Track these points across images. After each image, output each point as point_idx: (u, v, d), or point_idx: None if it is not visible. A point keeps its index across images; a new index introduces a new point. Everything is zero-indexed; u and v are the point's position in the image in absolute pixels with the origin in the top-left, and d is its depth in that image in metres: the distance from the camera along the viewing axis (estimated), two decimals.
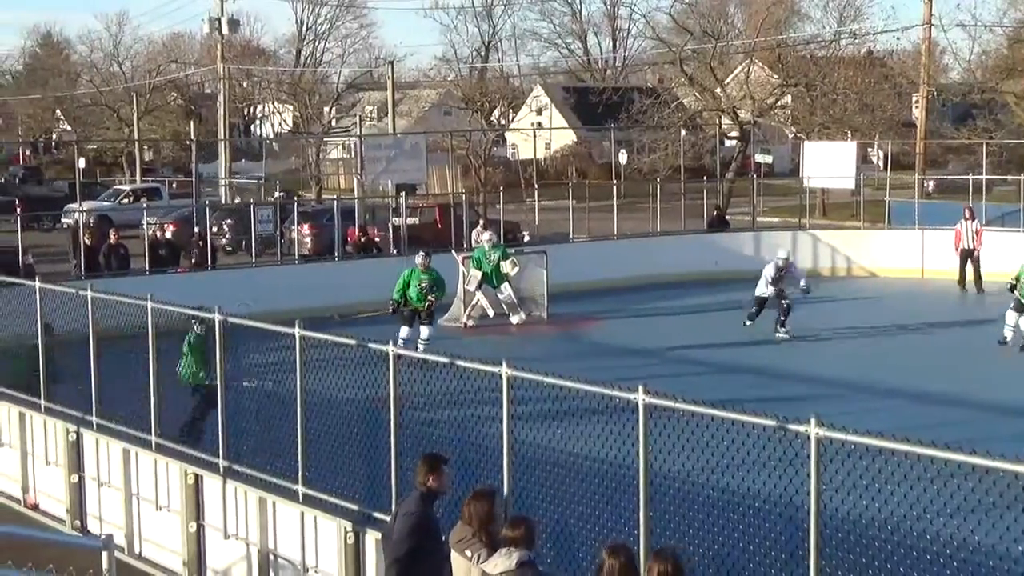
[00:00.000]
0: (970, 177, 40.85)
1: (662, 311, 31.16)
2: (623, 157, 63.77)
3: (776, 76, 60.33)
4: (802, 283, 27.49)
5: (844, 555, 9.27)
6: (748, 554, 9.89)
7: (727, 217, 42.62)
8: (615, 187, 40.19)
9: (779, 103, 59.87)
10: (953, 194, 48.38)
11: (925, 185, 52.48)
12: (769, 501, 9.76)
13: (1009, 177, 44.53)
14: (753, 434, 9.13)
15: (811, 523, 8.49)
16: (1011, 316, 24.92)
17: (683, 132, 57.52)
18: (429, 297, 23.83)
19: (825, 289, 34.45)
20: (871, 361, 24.31)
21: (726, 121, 58.09)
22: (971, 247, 33.43)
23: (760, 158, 60.33)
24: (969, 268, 33.64)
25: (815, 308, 30.72)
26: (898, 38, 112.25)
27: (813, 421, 8.46)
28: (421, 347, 21.74)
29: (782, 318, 26.85)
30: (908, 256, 36.84)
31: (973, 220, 33.73)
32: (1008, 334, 25.01)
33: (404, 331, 23.23)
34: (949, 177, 55.80)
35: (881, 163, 58.26)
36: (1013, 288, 25.00)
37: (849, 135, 52.51)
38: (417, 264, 24.23)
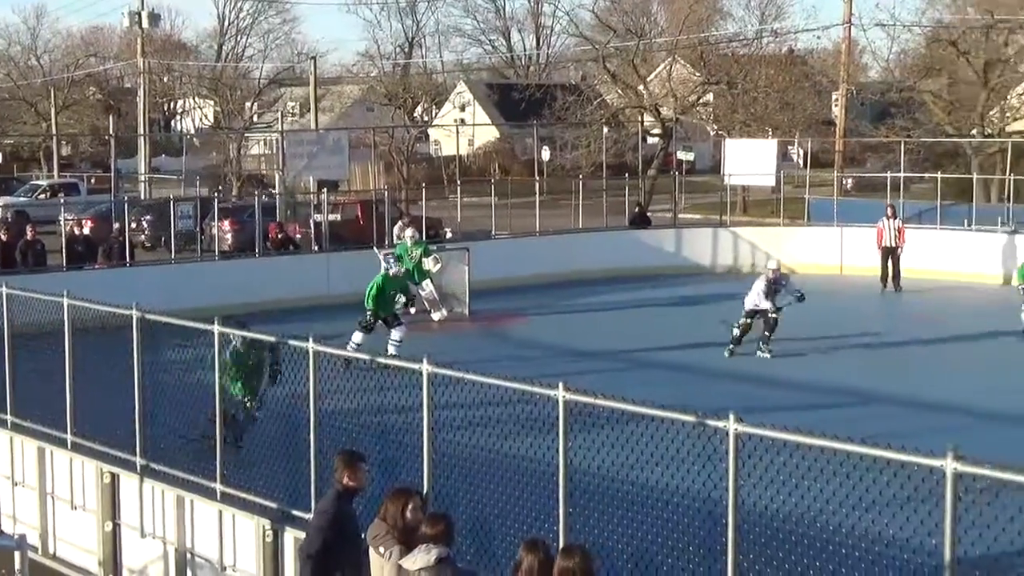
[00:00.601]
0: (888, 175, 41.33)
1: (585, 308, 31.23)
2: (546, 154, 63.88)
3: (698, 74, 60.64)
4: (796, 293, 24.88)
5: (761, 549, 9.34)
6: (667, 549, 9.94)
7: (649, 214, 42.77)
8: (537, 184, 40.18)
9: (701, 101, 60.20)
10: (872, 192, 48.95)
11: (844, 183, 52.99)
12: (688, 496, 9.81)
13: (926, 175, 45.06)
14: (672, 430, 9.17)
15: (729, 518, 8.54)
16: None
17: (606, 129, 57.69)
18: (402, 299, 23.65)
19: (746, 285, 34.64)
20: (792, 358, 24.43)
21: (648, 118, 58.32)
22: (893, 245, 33.76)
23: (682, 155, 60.67)
24: (890, 265, 33.94)
25: (735, 305, 30.96)
26: (818, 37, 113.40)
27: (732, 417, 8.51)
28: (392, 349, 21.79)
29: (767, 334, 24.31)
30: (827, 253, 37.18)
31: (895, 219, 34.06)
32: None
33: (359, 336, 22.84)
34: (868, 175, 56.44)
35: (801, 161, 58.70)
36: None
37: (770, 133, 52.88)
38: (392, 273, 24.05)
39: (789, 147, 60.76)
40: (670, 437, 9.28)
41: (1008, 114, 55.60)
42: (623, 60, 59.12)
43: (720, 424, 8.58)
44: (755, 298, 24.38)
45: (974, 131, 52.87)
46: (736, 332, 24.34)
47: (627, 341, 26.28)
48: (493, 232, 36.78)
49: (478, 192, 42.32)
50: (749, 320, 24.35)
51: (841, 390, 20.96)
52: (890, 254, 33.75)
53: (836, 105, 58.17)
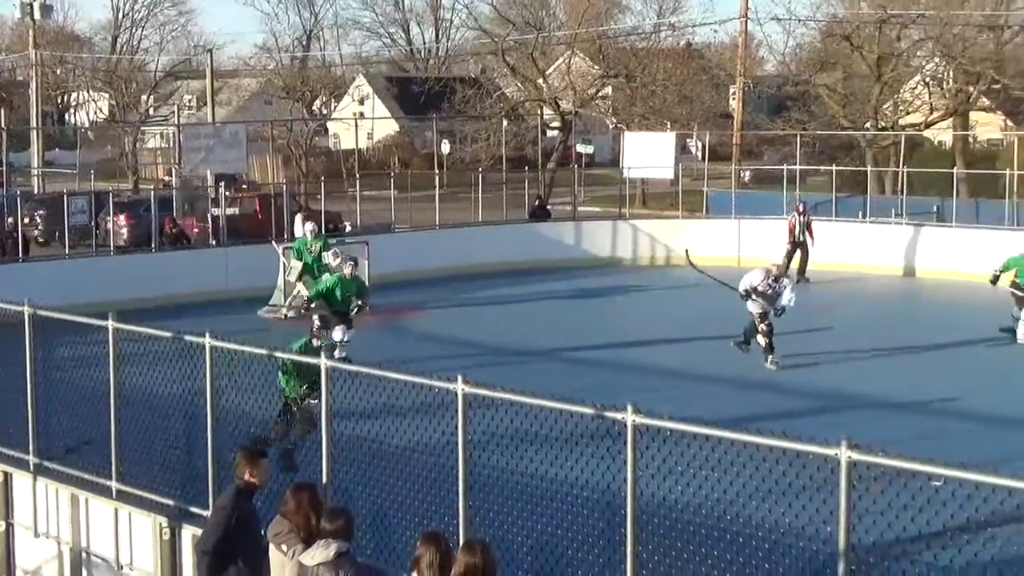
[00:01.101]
0: (784, 167, 41.76)
1: (485, 301, 31.26)
2: (445, 147, 63.78)
3: (597, 67, 60.95)
4: (785, 299, 22.17)
5: (660, 539, 9.40)
6: (567, 541, 9.96)
7: (548, 207, 42.90)
8: (437, 177, 40.13)
9: (600, 94, 60.54)
10: (769, 184, 49.45)
11: (741, 175, 53.57)
12: (587, 488, 9.84)
13: (822, 168, 45.58)
14: (571, 422, 9.19)
15: (628, 509, 8.57)
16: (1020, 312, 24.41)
17: (505, 122, 57.74)
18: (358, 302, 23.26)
19: (645, 277, 34.98)
20: (696, 348, 24.53)
21: (548, 111, 58.53)
22: (802, 239, 34.01)
23: (581, 148, 60.90)
24: (797, 257, 34.13)
25: (635, 297, 31.25)
26: (715, 31, 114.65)
27: (630, 408, 8.54)
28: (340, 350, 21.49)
29: (768, 341, 22.05)
30: (724, 245, 37.48)
31: (805, 215, 34.34)
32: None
33: (340, 332, 22.36)
34: (765, 167, 57.00)
35: (700, 153, 59.24)
36: (995, 281, 25.00)
37: (668, 126, 53.28)
38: (345, 272, 23.36)
39: (688, 140, 61.26)
40: (569, 429, 9.29)
41: (901, 107, 56.51)
42: (522, 53, 59.29)
43: (619, 416, 8.61)
44: (744, 286, 22.19)
45: (868, 124, 53.68)
46: (760, 339, 22.04)
47: (527, 334, 26.32)
48: (393, 226, 36.67)
49: (378, 186, 42.10)
50: (766, 325, 21.91)
51: (744, 383, 21.12)
52: (799, 247, 33.99)
53: (733, 98, 58.77)
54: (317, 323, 21.12)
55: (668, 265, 37.69)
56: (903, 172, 42.79)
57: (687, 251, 25.90)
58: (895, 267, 35.01)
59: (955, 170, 43.57)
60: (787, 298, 22.09)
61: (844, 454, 7.53)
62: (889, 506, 8.06)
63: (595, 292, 32.30)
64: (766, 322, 21.93)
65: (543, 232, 38.09)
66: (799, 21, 57.73)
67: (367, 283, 28.04)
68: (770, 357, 21.94)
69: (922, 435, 15.85)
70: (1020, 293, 23.98)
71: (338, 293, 22.63)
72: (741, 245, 37.42)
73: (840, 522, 7.57)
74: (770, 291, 22.03)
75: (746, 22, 52.55)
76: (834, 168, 41.66)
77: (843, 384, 20.87)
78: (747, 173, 58.30)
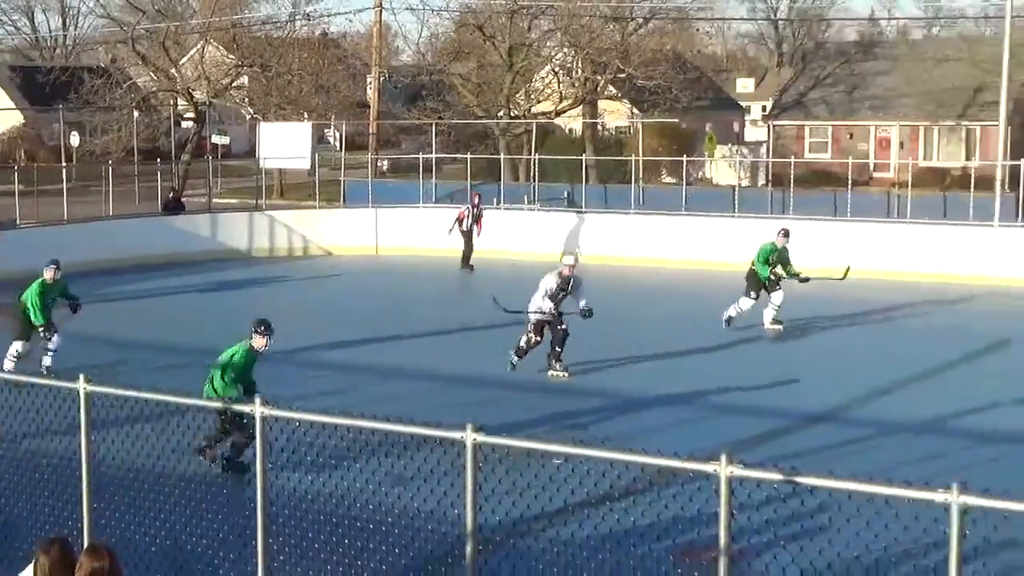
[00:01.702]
0: (421, 156, 42.29)
1: (118, 296, 30.31)
2: (74, 139, 61.63)
3: (231, 57, 60.03)
4: (582, 303, 20.49)
5: (292, 530, 9.34)
6: (196, 537, 9.79)
7: (184, 200, 42.03)
8: (65, 170, 38.70)
9: (235, 84, 59.62)
10: (407, 173, 49.98)
11: (379, 165, 53.89)
12: (216, 484, 9.69)
13: (458, 156, 46.36)
14: (189, 415, 9.04)
15: (258, 502, 8.48)
16: (747, 302, 24.30)
17: (136, 113, 56.20)
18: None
19: (284, 268, 34.75)
20: (325, 328, 24.49)
21: (182, 102, 57.32)
22: (471, 230, 34.14)
23: (217, 139, 59.94)
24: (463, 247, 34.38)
25: (275, 288, 31.03)
26: (351, 20, 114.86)
27: (258, 401, 8.45)
28: (48, 360, 20.26)
29: (557, 349, 20.25)
30: (362, 234, 37.71)
31: (477, 208, 34.46)
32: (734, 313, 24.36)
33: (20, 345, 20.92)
34: (402, 156, 57.52)
35: (338, 143, 59.25)
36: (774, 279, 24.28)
37: (305, 116, 53.03)
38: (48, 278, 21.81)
39: (325, 130, 61.17)
40: (196, 424, 9.14)
41: (533, 96, 58.03)
42: (154, 42, 57.79)
43: (247, 409, 8.50)
44: (539, 301, 20.20)
45: (501, 113, 54.88)
46: (523, 345, 20.38)
47: (161, 328, 25.75)
48: (18, 221, 35.15)
49: (2, 180, 40.36)
50: (539, 337, 20.30)
51: (392, 372, 21.23)
52: (468, 236, 34.12)
53: (370, 88, 58.98)
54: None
55: (306, 255, 37.58)
56: (535, 159, 43.96)
57: (494, 298, 23.79)
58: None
59: (585, 157, 45.07)
60: (583, 301, 20.47)
61: (469, 437, 7.64)
62: (514, 485, 8.25)
63: (234, 284, 31.87)
64: (562, 326, 20.17)
65: (178, 225, 37.28)
66: (433, 11, 58.55)
67: None
68: (556, 364, 20.26)
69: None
70: (773, 279, 24.34)
71: (47, 295, 21.66)
72: (379, 234, 37.71)
73: (467, 504, 7.68)
74: (563, 295, 20.35)
75: (380, 11, 52.80)
76: (469, 156, 42.43)
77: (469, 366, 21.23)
78: (385, 163, 58.71)
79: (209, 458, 12.94)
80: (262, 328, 14.09)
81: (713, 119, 68.40)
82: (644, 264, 33.95)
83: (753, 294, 24.31)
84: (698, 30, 75.54)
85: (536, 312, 20.21)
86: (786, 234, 24.67)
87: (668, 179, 54.60)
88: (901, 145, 60.06)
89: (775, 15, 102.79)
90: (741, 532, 9.70)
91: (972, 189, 36.43)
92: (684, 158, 42.95)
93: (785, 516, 10.49)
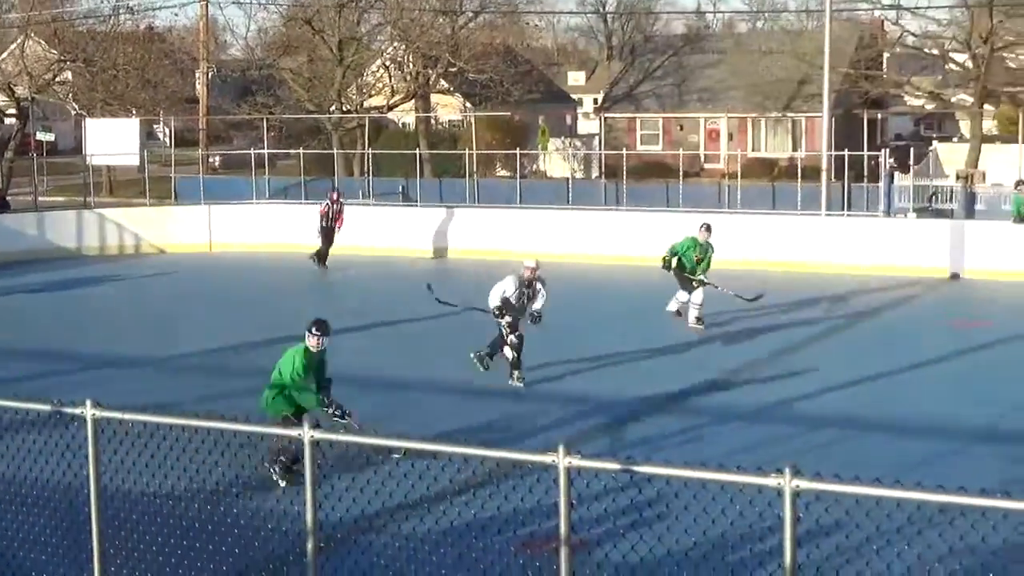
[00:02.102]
0: (253, 152, 41.85)
1: None
2: None
3: (54, 51, 58.67)
4: (536, 306, 19.12)
5: (128, 533, 9.21)
6: (29, 544, 9.59)
7: (8, 198, 41.03)
8: None
9: (58, 79, 58.29)
10: (239, 169, 49.40)
11: (210, 160, 53.23)
12: (48, 488, 9.50)
13: (291, 151, 45.95)
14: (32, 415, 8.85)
15: (92, 507, 8.34)
16: (684, 295, 23.79)
17: None
18: None
19: (116, 267, 34.08)
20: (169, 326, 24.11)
21: (2, 98, 55.88)
22: (332, 226, 33.59)
23: (41, 136, 58.68)
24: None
25: (109, 287, 30.44)
26: (176, 14, 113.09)
27: (88, 404, 8.30)
28: None
29: (516, 355, 18.93)
30: (196, 231, 37.18)
31: (337, 203, 33.79)
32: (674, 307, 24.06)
33: None
34: (234, 152, 56.86)
35: (168, 139, 58.33)
36: (668, 267, 23.82)
37: (133, 112, 52.07)
38: None
39: (154, 126, 60.19)
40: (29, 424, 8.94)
41: (365, 90, 57.82)
42: None
43: (78, 411, 8.34)
44: (496, 302, 18.91)
45: (333, 107, 54.59)
46: (509, 351, 18.98)
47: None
48: None
49: None
50: (516, 337, 18.85)
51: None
52: (329, 233, 33.54)
53: (199, 83, 58.21)
54: None
55: (139, 253, 36.91)
56: (368, 154, 43.79)
57: (429, 285, 22.75)
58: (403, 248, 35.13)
59: (419, 151, 45.02)
60: (540, 303, 19.14)
61: (307, 434, 7.60)
62: (353, 481, 8.23)
63: (66, 284, 31.11)
64: (516, 333, 18.90)
65: (4, 224, 36.34)
66: (260, 4, 57.91)
67: None
68: (516, 373, 18.96)
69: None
70: (688, 276, 23.95)
71: None
72: (212, 231, 37.22)
73: (307, 501, 7.63)
74: (523, 299, 19.05)
75: (207, 5, 52.27)
76: (302, 151, 42.15)
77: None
78: (216, 158, 58.01)
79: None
80: (312, 328, 13.66)
81: (545, 112, 68.88)
82: (478, 257, 34.03)
83: (686, 287, 23.69)
84: (528, 23, 75.93)
85: (493, 313, 18.93)
86: (708, 229, 23.83)
87: (503, 172, 54.86)
88: (730, 137, 61.27)
89: (604, 8, 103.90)
90: (581, 522, 9.80)
91: (799, 179, 37.31)
92: (518, 151, 43.11)
93: (624, 505, 10.65)
